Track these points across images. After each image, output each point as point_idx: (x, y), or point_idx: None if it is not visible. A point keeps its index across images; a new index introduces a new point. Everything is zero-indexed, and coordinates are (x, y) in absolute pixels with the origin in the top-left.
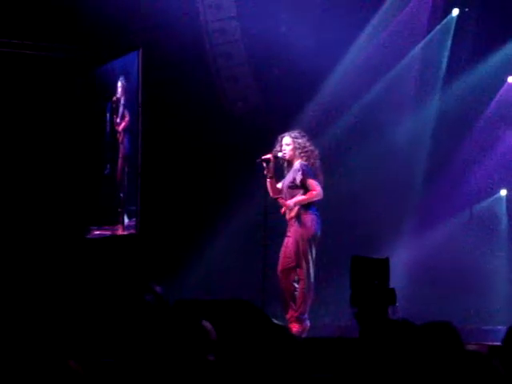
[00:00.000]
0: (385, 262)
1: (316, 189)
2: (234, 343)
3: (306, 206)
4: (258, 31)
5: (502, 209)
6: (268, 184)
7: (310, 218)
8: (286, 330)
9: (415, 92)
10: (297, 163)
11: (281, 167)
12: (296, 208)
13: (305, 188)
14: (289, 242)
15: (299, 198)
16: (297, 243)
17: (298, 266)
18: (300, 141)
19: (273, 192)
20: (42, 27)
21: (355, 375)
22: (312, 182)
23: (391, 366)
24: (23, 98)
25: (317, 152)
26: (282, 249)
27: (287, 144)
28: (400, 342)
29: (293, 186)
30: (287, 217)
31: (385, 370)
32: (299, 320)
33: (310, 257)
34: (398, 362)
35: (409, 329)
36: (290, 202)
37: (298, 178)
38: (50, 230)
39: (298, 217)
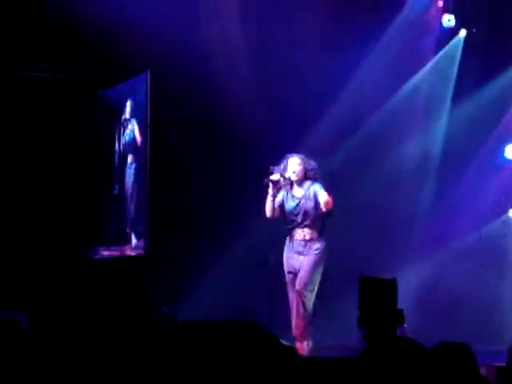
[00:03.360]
0: (392, 283)
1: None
2: (240, 365)
3: (321, 232)
4: (268, 47)
5: (510, 229)
6: (270, 204)
7: (324, 245)
8: (294, 351)
9: (424, 112)
10: (310, 185)
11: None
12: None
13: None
14: (305, 266)
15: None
16: (313, 270)
17: (307, 289)
18: (311, 162)
19: (273, 212)
20: (50, 48)
21: None
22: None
23: None
24: (31, 120)
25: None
26: (290, 268)
27: (298, 164)
28: (409, 361)
29: (315, 210)
30: (305, 238)
31: None
32: (302, 340)
33: (318, 282)
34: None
35: (417, 348)
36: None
37: (317, 191)
38: (56, 250)
39: (315, 243)
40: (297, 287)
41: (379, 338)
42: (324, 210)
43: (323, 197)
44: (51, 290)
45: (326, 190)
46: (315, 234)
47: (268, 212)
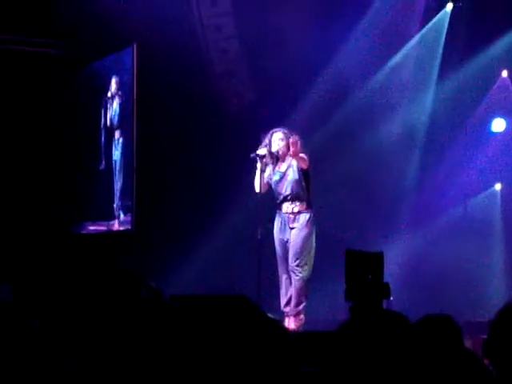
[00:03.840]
0: (379, 257)
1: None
2: (227, 338)
3: (308, 204)
4: (254, 27)
5: (497, 203)
6: (258, 179)
7: (312, 217)
8: (280, 324)
9: (410, 86)
10: (293, 159)
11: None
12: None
13: (307, 179)
14: (293, 239)
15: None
16: (301, 240)
17: (299, 262)
18: (292, 135)
19: (262, 187)
20: (36, 23)
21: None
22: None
23: (384, 358)
24: (16, 94)
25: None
26: (281, 245)
27: (281, 139)
28: (395, 334)
29: (300, 184)
30: (289, 210)
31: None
32: (295, 314)
33: (310, 253)
34: (392, 355)
35: (401, 321)
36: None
37: (305, 165)
38: (44, 225)
39: (303, 215)
40: (289, 262)
41: (364, 311)
42: (305, 167)
43: (300, 162)
44: (38, 264)
45: (311, 163)
46: (303, 207)
47: (257, 187)
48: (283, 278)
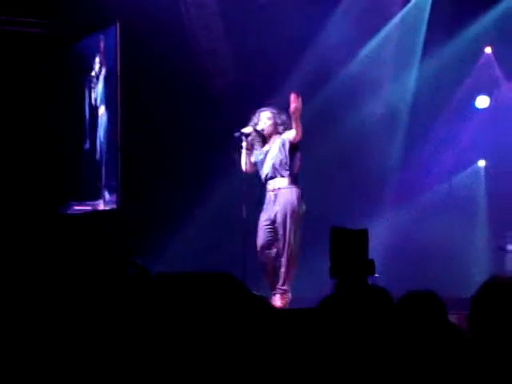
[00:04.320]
0: (364, 234)
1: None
2: (213, 315)
3: (291, 180)
4: (237, 3)
5: (481, 180)
6: (244, 158)
7: (296, 192)
8: (266, 301)
9: (393, 65)
10: (279, 138)
11: (253, 142)
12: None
13: (293, 157)
14: (276, 215)
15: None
16: (286, 218)
17: (283, 240)
18: (282, 116)
19: (248, 166)
20: (20, 2)
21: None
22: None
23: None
24: (1, 75)
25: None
26: (263, 225)
27: (268, 118)
28: (380, 309)
29: (283, 161)
30: (272, 187)
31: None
32: (282, 293)
33: (297, 231)
34: (377, 331)
35: (386, 297)
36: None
37: (286, 136)
38: (28, 205)
39: (285, 191)
40: (279, 238)
41: (349, 288)
42: (296, 139)
43: (291, 132)
44: (24, 244)
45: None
46: (285, 183)
47: (243, 166)
48: (270, 257)
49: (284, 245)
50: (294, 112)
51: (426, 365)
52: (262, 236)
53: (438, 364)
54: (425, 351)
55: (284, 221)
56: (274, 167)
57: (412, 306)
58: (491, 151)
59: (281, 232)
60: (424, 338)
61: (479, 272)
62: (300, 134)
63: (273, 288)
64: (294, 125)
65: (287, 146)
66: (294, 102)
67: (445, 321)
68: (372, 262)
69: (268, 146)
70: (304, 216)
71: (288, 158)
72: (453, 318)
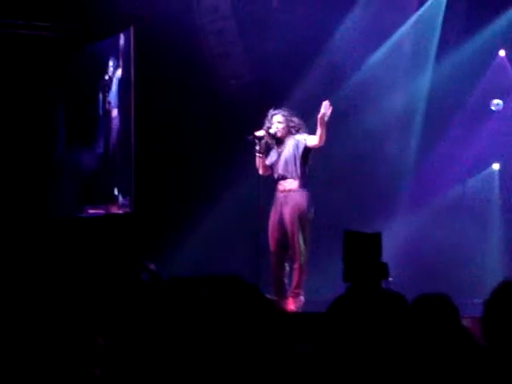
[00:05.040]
0: (377, 237)
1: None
2: (226, 319)
3: (302, 183)
4: (250, 6)
5: (495, 183)
6: (258, 161)
7: (306, 195)
8: (278, 305)
9: (408, 65)
10: (293, 139)
11: (268, 145)
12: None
13: (306, 159)
14: (285, 218)
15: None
16: (294, 220)
17: (293, 243)
18: (293, 118)
19: (263, 169)
20: (32, 6)
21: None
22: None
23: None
24: (13, 78)
25: (304, 125)
26: (273, 226)
27: (279, 122)
28: (393, 313)
29: (294, 163)
30: (282, 188)
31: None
32: (294, 296)
33: (306, 234)
34: (390, 335)
35: (400, 301)
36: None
37: (302, 141)
38: (42, 208)
39: (294, 193)
40: (289, 242)
41: (362, 291)
42: (317, 145)
43: (313, 138)
44: (37, 248)
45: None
46: (295, 185)
47: (259, 169)
48: (275, 261)
49: (294, 249)
50: (321, 118)
51: (437, 368)
52: (273, 240)
53: (450, 367)
54: (437, 354)
55: (292, 224)
56: (286, 168)
57: (425, 309)
58: (506, 154)
59: (290, 235)
60: (436, 342)
61: (493, 276)
62: (323, 141)
63: (278, 292)
64: (318, 131)
65: (301, 148)
66: (325, 109)
67: (457, 324)
68: (385, 265)
69: (282, 147)
70: (316, 219)
71: (300, 160)
72: (466, 322)
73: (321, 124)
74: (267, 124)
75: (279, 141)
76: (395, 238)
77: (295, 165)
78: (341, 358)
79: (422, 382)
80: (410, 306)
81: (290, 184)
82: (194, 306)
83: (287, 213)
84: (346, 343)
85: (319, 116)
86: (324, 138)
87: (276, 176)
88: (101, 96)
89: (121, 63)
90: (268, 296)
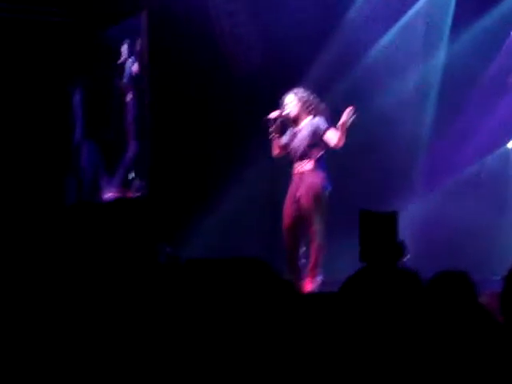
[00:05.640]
0: (393, 216)
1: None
2: (243, 300)
3: (317, 164)
4: None
5: (510, 161)
6: (274, 142)
7: (321, 175)
8: (294, 286)
9: (422, 44)
10: (310, 119)
11: (285, 126)
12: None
13: (322, 143)
14: (301, 198)
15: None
16: (310, 200)
17: (309, 223)
18: (303, 95)
19: (278, 150)
20: None
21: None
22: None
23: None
24: (26, 63)
25: (323, 105)
26: (288, 206)
27: (291, 101)
28: (408, 291)
29: (310, 144)
30: (298, 170)
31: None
32: (312, 276)
33: (323, 214)
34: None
35: (416, 280)
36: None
37: (322, 128)
38: (59, 195)
39: (309, 174)
40: (306, 222)
41: (378, 271)
42: (335, 147)
43: (332, 137)
44: (53, 232)
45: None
46: (310, 166)
47: (274, 150)
48: (292, 241)
49: (310, 229)
50: (343, 124)
51: (455, 344)
52: (287, 218)
53: (468, 344)
54: (454, 331)
55: (309, 205)
56: (301, 149)
57: (443, 285)
58: None
59: (306, 216)
60: (454, 318)
61: (509, 253)
62: (341, 144)
63: (293, 273)
64: (338, 134)
65: (318, 135)
66: (347, 117)
67: (475, 301)
68: (402, 244)
69: (297, 127)
70: (331, 199)
71: (316, 142)
72: (484, 298)
73: (341, 129)
74: (282, 105)
75: (295, 121)
76: (411, 218)
77: (311, 146)
78: (356, 338)
79: (438, 359)
80: (428, 282)
81: (306, 165)
82: (211, 288)
83: (303, 193)
84: (359, 324)
85: (341, 122)
86: (343, 142)
87: (292, 157)
88: (115, 81)
89: (134, 47)
90: (284, 277)
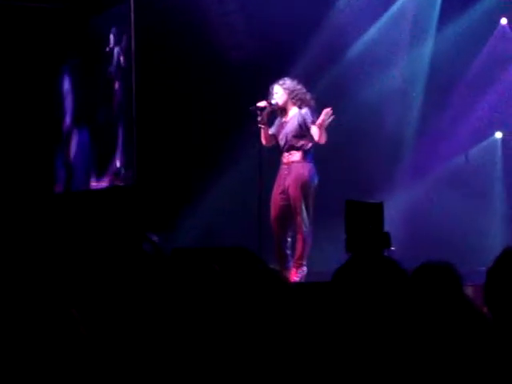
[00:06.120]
0: (379, 207)
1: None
2: (229, 289)
3: (304, 155)
4: None
5: (498, 151)
6: (261, 132)
7: (308, 167)
8: (281, 275)
9: (409, 34)
10: (297, 110)
11: (273, 116)
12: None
13: (309, 134)
14: (288, 189)
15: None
16: (296, 191)
17: (295, 214)
18: (289, 85)
19: (266, 140)
20: None
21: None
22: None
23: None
24: (15, 49)
25: (309, 95)
26: (276, 196)
27: (276, 92)
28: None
29: (297, 135)
30: (286, 161)
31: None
32: (298, 266)
33: (309, 205)
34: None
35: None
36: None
37: (309, 121)
38: (49, 182)
39: (297, 165)
40: (292, 213)
41: (363, 260)
42: (317, 142)
43: (314, 134)
44: (40, 221)
45: (313, 115)
46: (298, 157)
47: (262, 140)
48: (280, 232)
49: (297, 219)
50: (320, 124)
51: (439, 336)
52: (275, 208)
53: (452, 335)
54: (439, 323)
55: (296, 195)
56: (289, 140)
57: (427, 276)
58: (508, 123)
59: (293, 206)
60: (439, 310)
61: (495, 244)
62: (323, 141)
63: (281, 262)
64: (317, 132)
65: (304, 126)
66: (325, 116)
67: (460, 292)
68: (387, 234)
69: (285, 118)
70: (318, 190)
71: (304, 133)
72: (468, 290)
73: (319, 129)
74: (269, 95)
75: (283, 111)
76: (397, 209)
77: (298, 137)
78: (343, 328)
79: (423, 350)
80: (412, 273)
81: (294, 156)
82: (197, 277)
83: (290, 184)
84: (348, 313)
85: (318, 123)
86: (324, 139)
87: (280, 147)
88: (102, 68)
89: (122, 34)
90: (271, 266)
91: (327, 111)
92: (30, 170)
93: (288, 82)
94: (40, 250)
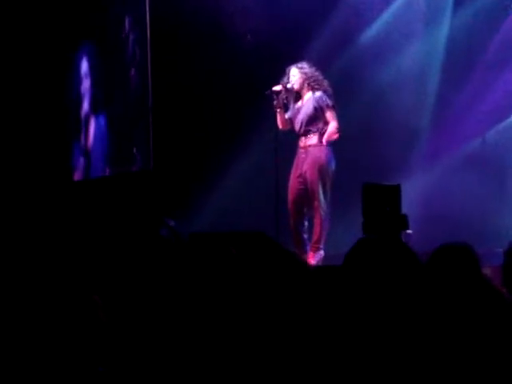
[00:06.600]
0: (396, 189)
1: (336, 123)
2: (247, 273)
3: (321, 138)
4: None
5: None
6: (277, 116)
7: (325, 150)
8: (299, 258)
9: (424, 17)
10: (312, 94)
11: (288, 99)
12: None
13: (324, 118)
14: (305, 173)
15: (330, 136)
16: (314, 175)
17: (313, 197)
18: (307, 70)
19: (282, 124)
20: None
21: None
22: (333, 115)
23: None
24: (31, 29)
25: (327, 82)
26: (294, 180)
27: (294, 75)
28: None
29: (313, 119)
30: (303, 145)
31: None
32: (315, 250)
33: (326, 189)
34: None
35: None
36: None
37: (324, 104)
38: (67, 170)
39: (314, 148)
40: (309, 197)
41: (383, 244)
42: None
43: (330, 126)
44: (57, 208)
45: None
46: (315, 140)
47: (279, 124)
48: (295, 216)
49: (315, 203)
50: (326, 141)
51: (458, 317)
52: (292, 192)
53: (471, 316)
54: (459, 303)
55: (313, 179)
56: (305, 124)
57: (446, 257)
58: None
59: (310, 190)
60: (459, 290)
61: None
62: (335, 137)
63: (298, 246)
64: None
65: (321, 108)
66: (328, 137)
67: (479, 273)
68: (405, 216)
69: (301, 102)
70: (335, 173)
71: (319, 116)
72: (487, 271)
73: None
74: (285, 78)
75: (298, 95)
76: (414, 191)
77: (314, 120)
78: (358, 310)
79: (442, 331)
80: (431, 255)
81: (310, 139)
82: (215, 261)
83: (307, 168)
84: (362, 296)
85: (324, 139)
86: (336, 136)
87: (296, 131)
88: (118, 55)
89: (137, 21)
90: (289, 249)
91: (332, 133)
92: (49, 159)
93: (306, 67)
94: (61, 238)
